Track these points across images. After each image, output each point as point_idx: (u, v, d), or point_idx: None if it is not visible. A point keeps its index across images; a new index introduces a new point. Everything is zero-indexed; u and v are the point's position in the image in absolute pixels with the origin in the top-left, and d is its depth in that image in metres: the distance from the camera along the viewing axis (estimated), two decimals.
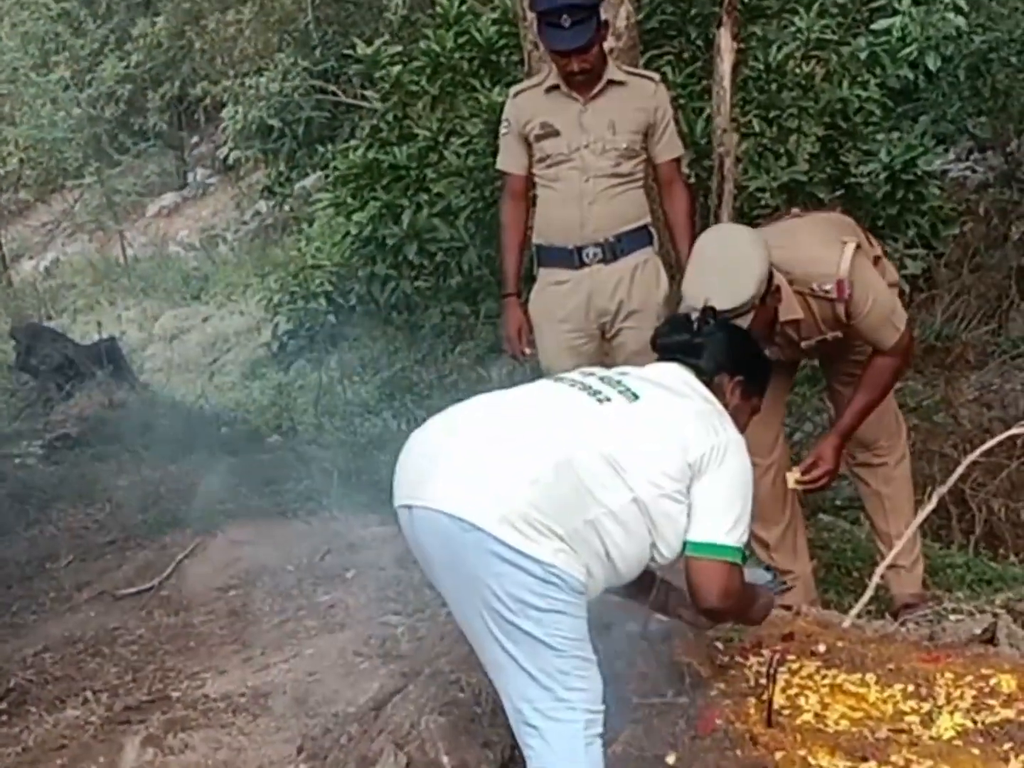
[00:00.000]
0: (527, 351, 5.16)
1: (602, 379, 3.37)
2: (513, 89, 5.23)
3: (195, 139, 19.54)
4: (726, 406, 3.47)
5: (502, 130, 5.12)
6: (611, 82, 4.93)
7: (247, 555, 6.10)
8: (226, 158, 16.62)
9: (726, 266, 4.25)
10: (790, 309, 4.46)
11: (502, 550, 3.02)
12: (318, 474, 6.96)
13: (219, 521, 6.43)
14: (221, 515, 6.49)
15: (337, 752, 4.17)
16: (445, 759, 3.94)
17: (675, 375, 3.45)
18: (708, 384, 3.47)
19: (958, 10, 9.75)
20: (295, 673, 4.93)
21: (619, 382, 3.34)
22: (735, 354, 3.57)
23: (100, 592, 6.00)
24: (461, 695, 4.15)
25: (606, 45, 5.03)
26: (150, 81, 17.46)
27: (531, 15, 5.63)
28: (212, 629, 5.48)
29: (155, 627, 5.57)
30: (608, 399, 3.26)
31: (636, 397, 3.28)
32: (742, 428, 3.50)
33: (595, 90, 4.90)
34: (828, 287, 4.39)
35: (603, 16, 4.93)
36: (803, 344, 4.62)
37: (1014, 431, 4.45)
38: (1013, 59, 8.85)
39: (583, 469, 3.11)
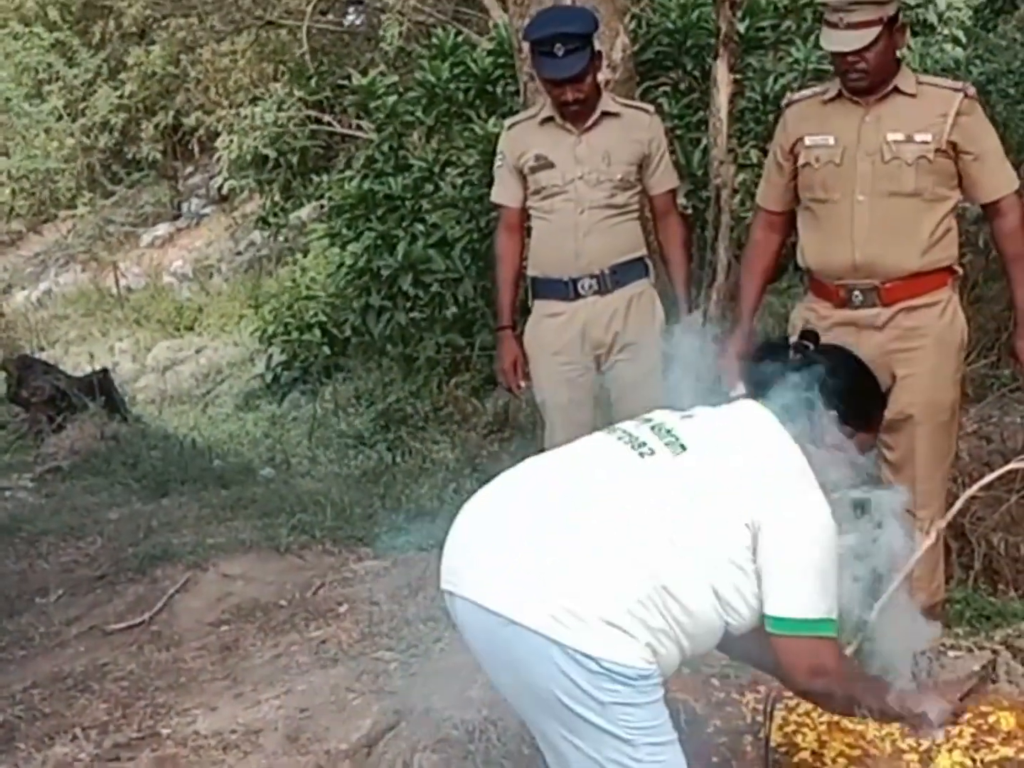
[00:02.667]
0: (522, 384, 5.16)
1: (654, 427, 3.06)
2: (508, 121, 5.26)
3: (189, 169, 19.58)
4: (818, 443, 3.03)
5: (497, 162, 5.14)
6: (605, 113, 4.94)
7: (239, 590, 6.07)
8: (220, 188, 16.76)
9: None
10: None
11: (544, 644, 2.79)
12: (311, 507, 6.94)
13: (211, 555, 6.39)
14: (213, 549, 6.45)
15: None
16: None
17: (744, 416, 3.09)
18: (796, 421, 3.04)
19: (956, 42, 9.85)
20: (287, 709, 4.89)
21: (670, 431, 3.01)
22: (830, 382, 3.07)
23: (90, 627, 5.95)
24: (454, 732, 4.15)
25: (601, 77, 5.08)
26: (144, 111, 17.58)
27: (526, 46, 5.67)
28: (203, 665, 5.44)
29: (145, 663, 5.53)
30: (652, 452, 2.96)
31: (683, 448, 2.96)
32: (852, 466, 3.09)
33: (589, 122, 4.92)
34: None
35: (598, 47, 4.96)
36: None
37: (1013, 465, 4.43)
38: (1011, 90, 8.88)
39: (626, 547, 2.84)
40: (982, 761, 3.63)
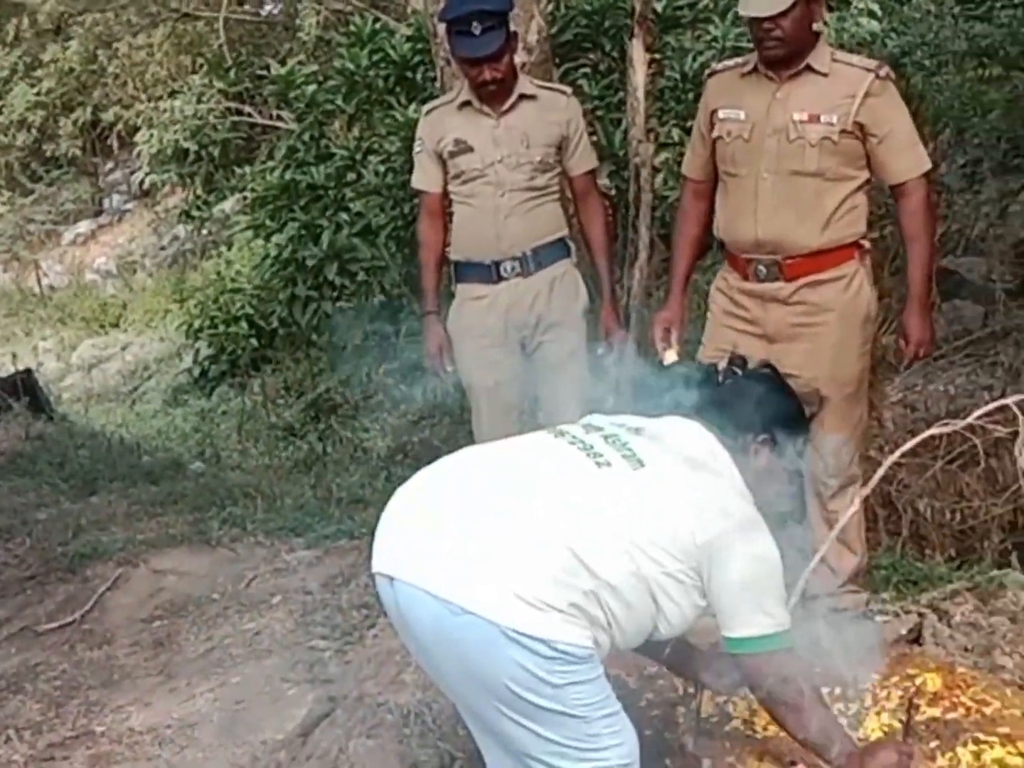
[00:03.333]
0: (448, 368, 5.16)
1: (607, 438, 3.09)
2: (426, 107, 5.24)
3: (109, 165, 19.44)
4: (752, 469, 3.18)
5: (416, 148, 5.12)
6: (523, 96, 4.95)
7: (171, 585, 6.05)
8: (142, 183, 16.66)
9: None
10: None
11: (499, 634, 2.79)
12: (242, 499, 6.93)
13: (141, 551, 6.37)
14: (143, 545, 6.43)
15: None
16: None
17: (691, 437, 3.16)
18: (732, 444, 3.18)
19: (872, 15, 9.92)
20: (221, 702, 4.89)
21: (625, 444, 3.06)
22: (763, 410, 3.26)
23: (21, 628, 5.91)
24: (389, 717, 4.18)
25: (518, 59, 5.06)
26: (62, 107, 17.45)
27: (442, 32, 5.67)
28: (136, 661, 5.42)
29: (78, 661, 5.50)
30: (608, 464, 3.00)
31: (641, 464, 3.01)
32: (774, 492, 3.24)
33: (507, 104, 4.92)
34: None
35: (513, 28, 4.97)
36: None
37: (933, 431, 4.49)
38: (927, 62, 8.99)
39: (574, 540, 2.86)
40: (911, 722, 3.68)
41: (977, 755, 3.48)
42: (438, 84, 6.23)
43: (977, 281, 8.12)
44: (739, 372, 3.34)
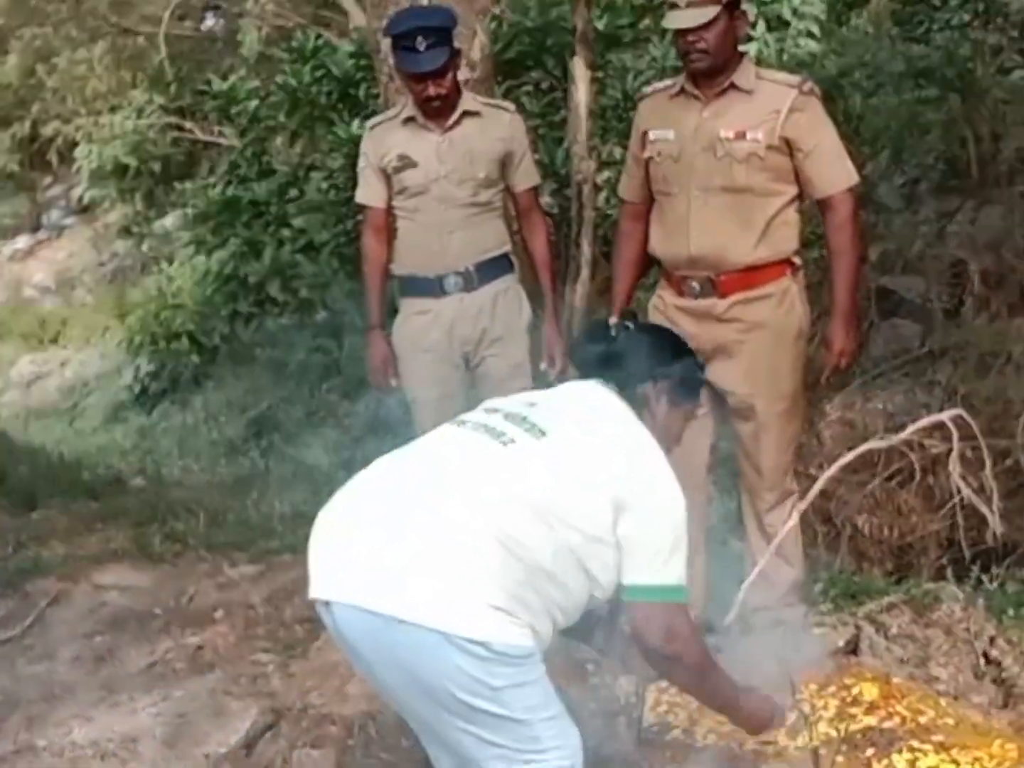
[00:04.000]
0: (392, 382, 5.20)
1: (507, 416, 3.06)
2: (370, 122, 5.27)
3: (48, 180, 19.33)
4: (653, 416, 3.19)
5: (360, 163, 5.14)
6: (467, 113, 4.99)
7: (112, 600, 6.05)
8: (81, 199, 16.59)
9: None
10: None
11: (436, 640, 2.74)
12: (184, 515, 6.93)
13: (83, 567, 6.36)
14: (85, 560, 6.43)
15: None
16: None
17: (590, 396, 3.18)
18: (632, 397, 3.19)
19: (811, 36, 10.07)
20: (164, 716, 4.91)
21: (524, 418, 3.03)
22: (658, 358, 3.26)
23: None
24: (333, 728, 4.21)
25: (461, 76, 5.11)
26: (0, 121, 17.31)
27: (385, 49, 5.74)
28: (78, 676, 5.42)
29: (18, 677, 5.49)
30: (512, 440, 2.97)
31: (543, 433, 2.98)
32: (676, 439, 3.29)
33: (451, 120, 4.97)
34: None
35: (457, 46, 5.02)
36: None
37: (871, 444, 4.59)
38: (865, 83, 9.10)
39: (499, 530, 2.81)
40: (846, 731, 3.75)
41: (912, 763, 3.55)
42: (381, 100, 6.26)
43: (915, 300, 8.18)
44: (630, 327, 3.34)
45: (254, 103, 10.53)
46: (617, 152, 8.89)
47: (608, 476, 2.94)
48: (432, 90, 4.87)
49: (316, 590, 2.96)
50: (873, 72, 9.28)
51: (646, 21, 9.95)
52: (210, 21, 15.88)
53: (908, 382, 7.27)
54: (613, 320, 3.44)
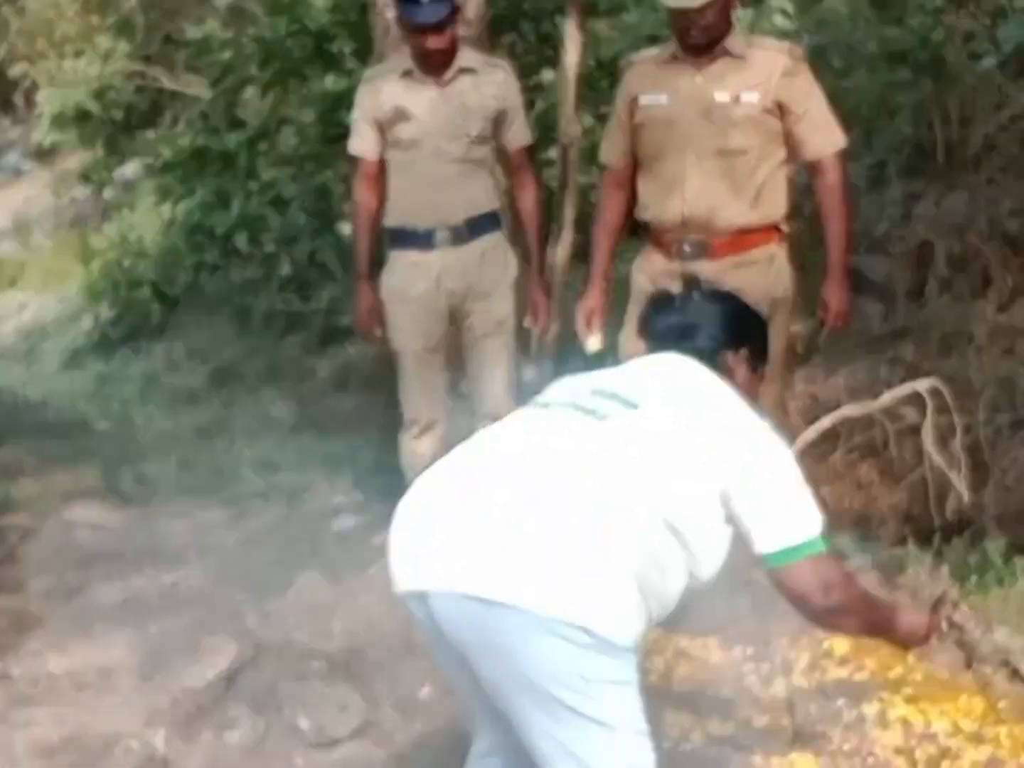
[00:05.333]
0: (378, 332, 5.25)
1: (595, 392, 2.92)
2: (366, 74, 5.32)
3: (7, 122, 19.17)
4: (736, 385, 3.02)
5: (354, 115, 5.17)
6: (463, 69, 5.04)
7: (84, 537, 6.12)
8: (41, 143, 16.43)
9: None
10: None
11: (534, 624, 2.58)
12: (155, 458, 7.00)
13: (53, 504, 6.44)
14: (55, 498, 6.50)
15: (189, 722, 4.29)
16: (303, 722, 4.09)
17: (674, 365, 3.03)
18: (713, 365, 3.03)
19: (785, 13, 10.16)
20: (139, 650, 4.96)
21: (613, 394, 2.89)
22: (734, 323, 3.16)
23: None
24: (316, 664, 4.30)
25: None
26: None
27: (382, 1, 5.79)
28: (51, 609, 5.47)
29: None
30: (607, 415, 2.82)
31: (635, 406, 2.84)
32: (754, 400, 3.07)
33: (448, 76, 5.01)
34: None
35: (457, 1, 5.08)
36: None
37: (845, 411, 4.74)
38: (836, 63, 9.22)
39: (610, 519, 2.66)
40: (818, 681, 3.89)
41: (882, 713, 3.69)
42: (375, 53, 6.29)
43: (879, 280, 8.28)
44: (697, 296, 3.23)
45: (227, 53, 10.47)
46: (587, 120, 8.96)
47: (712, 445, 2.78)
48: (432, 43, 4.91)
49: (409, 582, 2.80)
50: (847, 52, 9.39)
51: None
52: None
53: (871, 359, 7.37)
54: (677, 288, 3.35)
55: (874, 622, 3.00)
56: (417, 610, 2.81)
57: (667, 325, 3.14)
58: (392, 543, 2.87)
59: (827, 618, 2.92)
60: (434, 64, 4.99)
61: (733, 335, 3.11)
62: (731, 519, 2.78)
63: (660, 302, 3.27)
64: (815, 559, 2.78)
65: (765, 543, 2.76)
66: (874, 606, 3.02)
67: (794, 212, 4.91)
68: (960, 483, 5.17)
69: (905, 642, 3.18)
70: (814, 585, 2.78)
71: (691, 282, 3.41)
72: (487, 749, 3.04)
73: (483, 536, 2.68)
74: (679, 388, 2.93)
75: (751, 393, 3.07)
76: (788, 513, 2.78)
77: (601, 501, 2.66)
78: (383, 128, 5.07)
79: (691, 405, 2.87)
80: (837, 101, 4.81)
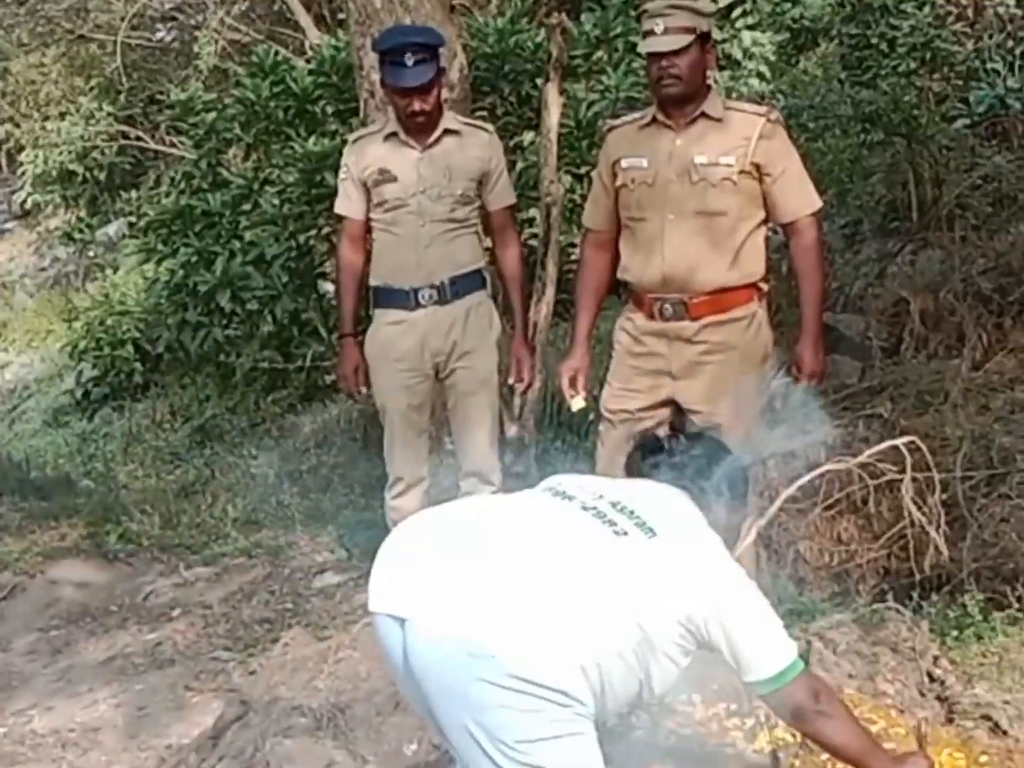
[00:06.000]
0: (363, 390, 5.27)
1: (614, 505, 3.04)
2: (352, 136, 5.35)
3: None
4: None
5: (341, 175, 5.20)
6: (447, 131, 5.08)
7: (68, 595, 6.11)
8: (24, 203, 16.49)
9: None
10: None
11: (509, 680, 2.71)
12: (138, 516, 6.99)
13: (38, 562, 6.41)
14: (39, 556, 6.47)
15: None
16: None
17: (674, 501, 3.16)
18: (698, 502, 3.19)
19: (761, 76, 10.27)
20: (125, 708, 4.97)
21: (633, 512, 3.02)
22: (715, 466, 3.26)
23: None
24: (303, 720, 4.28)
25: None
26: None
27: (368, 64, 5.83)
28: (35, 668, 5.47)
29: None
30: (625, 533, 2.96)
31: (653, 533, 2.97)
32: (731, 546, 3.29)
33: (432, 138, 5.05)
34: None
35: (442, 64, 5.12)
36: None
37: (829, 466, 4.72)
38: (812, 125, 9.31)
39: (598, 611, 2.82)
40: (799, 737, 3.87)
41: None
42: (361, 116, 6.33)
43: (855, 338, 8.34)
44: (680, 439, 3.36)
45: (211, 115, 10.51)
46: (567, 180, 9.01)
47: (708, 582, 2.97)
48: (417, 105, 4.95)
49: (391, 606, 2.90)
50: (821, 114, 9.49)
51: (600, 53, 10.07)
52: (162, 32, 15.85)
53: (848, 416, 7.38)
54: (663, 433, 3.43)
55: (857, 733, 3.13)
56: (388, 632, 2.90)
57: (654, 466, 3.27)
58: (379, 564, 2.96)
59: (817, 720, 3.05)
60: (419, 125, 5.02)
61: (713, 481, 3.21)
62: (688, 654, 2.97)
63: (647, 443, 3.40)
64: (803, 676, 3.01)
65: (758, 673, 2.98)
66: (855, 720, 3.20)
67: (770, 271, 4.93)
68: (939, 538, 5.17)
69: None
70: (804, 696, 3.00)
71: (676, 427, 3.45)
72: None
73: (473, 586, 2.81)
74: (686, 528, 3.08)
75: (731, 527, 3.30)
76: (772, 642, 3.00)
77: (600, 604, 2.82)
78: (368, 189, 5.09)
79: (694, 546, 3.03)
80: (812, 162, 4.88)
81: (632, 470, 3.35)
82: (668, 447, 3.32)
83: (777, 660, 2.99)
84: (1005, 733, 3.90)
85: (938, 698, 4.14)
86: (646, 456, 3.33)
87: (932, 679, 4.27)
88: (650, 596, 2.89)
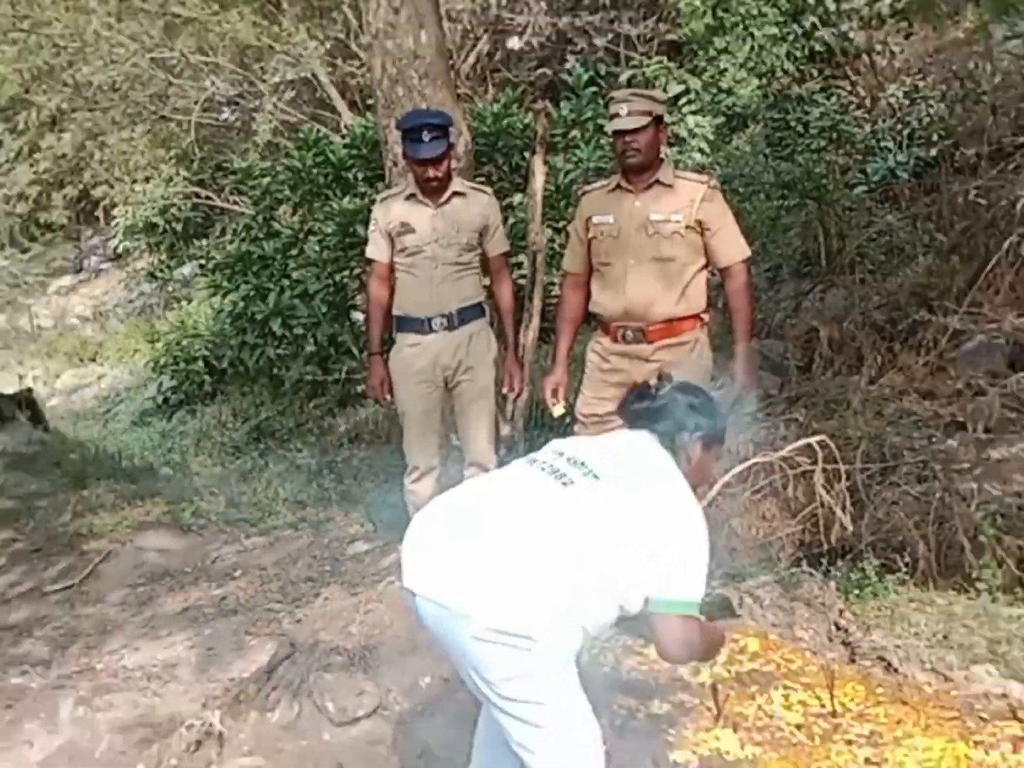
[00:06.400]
0: (387, 397, 5.26)
1: (569, 460, 2.99)
2: (380, 196, 5.34)
3: (89, 232, 19.20)
4: (689, 460, 3.06)
5: (371, 227, 5.18)
6: (455, 193, 5.07)
7: (151, 559, 6.07)
8: (116, 248, 16.48)
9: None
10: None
11: (475, 627, 2.72)
12: (207, 496, 6.97)
13: (127, 532, 6.38)
14: (128, 528, 6.45)
15: (238, 705, 4.26)
16: (330, 705, 4.07)
17: (638, 444, 3.07)
18: (672, 444, 3.07)
19: (702, 151, 10.30)
20: (197, 649, 4.94)
21: (583, 463, 2.96)
22: (692, 411, 3.11)
23: (29, 588, 5.89)
24: (339, 658, 4.28)
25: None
26: (54, 184, 17.22)
27: (392, 140, 5.83)
28: (126, 617, 5.44)
29: (77, 615, 5.50)
30: (572, 481, 2.90)
31: (596, 477, 2.91)
32: (708, 475, 3.23)
33: (443, 198, 5.04)
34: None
35: (452, 140, 5.12)
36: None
37: (758, 459, 4.77)
38: (741, 190, 9.34)
39: (551, 556, 2.77)
40: (735, 672, 3.89)
41: (786, 697, 3.70)
42: (386, 180, 6.32)
43: (776, 359, 8.33)
44: (668, 386, 3.21)
45: (266, 179, 10.53)
46: (548, 233, 9.02)
47: (649, 513, 2.86)
48: (431, 172, 4.95)
49: (408, 582, 2.91)
50: (749, 181, 9.52)
51: (574, 132, 10.09)
52: (226, 113, 15.83)
53: (770, 420, 7.39)
54: (654, 380, 3.25)
55: (710, 650, 3.14)
56: (408, 603, 2.92)
57: (639, 408, 3.15)
58: (405, 546, 2.95)
59: (675, 662, 3.18)
60: (433, 188, 5.01)
61: (690, 420, 3.08)
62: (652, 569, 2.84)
63: (638, 390, 3.24)
64: (683, 618, 2.85)
65: (656, 591, 2.84)
66: (712, 640, 3.11)
67: (710, 305, 4.94)
68: (843, 517, 5.19)
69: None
70: (675, 638, 2.86)
71: (664, 376, 3.28)
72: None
73: (456, 557, 2.82)
74: (635, 468, 2.96)
75: (704, 470, 3.12)
76: (683, 576, 2.85)
77: (546, 545, 2.78)
78: (392, 238, 5.08)
79: (640, 482, 2.92)
80: (742, 219, 4.88)
81: (622, 412, 3.21)
82: (653, 392, 3.17)
83: (676, 589, 2.85)
84: (896, 671, 3.91)
85: (843, 643, 4.16)
86: (634, 400, 3.18)
87: (838, 628, 4.28)
88: (604, 532, 2.82)
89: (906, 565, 5.09)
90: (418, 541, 2.94)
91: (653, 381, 3.25)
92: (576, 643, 2.82)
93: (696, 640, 2.90)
